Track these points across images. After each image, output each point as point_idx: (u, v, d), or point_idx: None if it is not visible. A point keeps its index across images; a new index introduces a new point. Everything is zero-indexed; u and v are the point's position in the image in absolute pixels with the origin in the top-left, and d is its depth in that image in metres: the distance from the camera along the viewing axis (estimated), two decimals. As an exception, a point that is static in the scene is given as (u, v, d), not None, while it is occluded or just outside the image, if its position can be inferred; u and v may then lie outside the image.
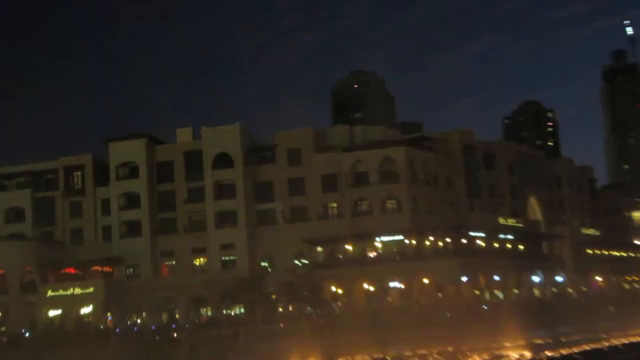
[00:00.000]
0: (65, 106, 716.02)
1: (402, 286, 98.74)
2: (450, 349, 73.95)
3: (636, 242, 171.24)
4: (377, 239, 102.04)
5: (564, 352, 69.01)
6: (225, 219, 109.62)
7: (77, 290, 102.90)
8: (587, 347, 71.93)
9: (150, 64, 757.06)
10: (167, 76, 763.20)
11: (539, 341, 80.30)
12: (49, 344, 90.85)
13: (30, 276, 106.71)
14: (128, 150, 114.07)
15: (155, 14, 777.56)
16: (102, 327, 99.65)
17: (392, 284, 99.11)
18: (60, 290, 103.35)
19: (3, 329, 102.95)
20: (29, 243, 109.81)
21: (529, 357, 65.66)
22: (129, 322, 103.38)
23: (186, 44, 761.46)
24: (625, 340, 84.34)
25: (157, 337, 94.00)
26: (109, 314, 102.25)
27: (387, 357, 74.01)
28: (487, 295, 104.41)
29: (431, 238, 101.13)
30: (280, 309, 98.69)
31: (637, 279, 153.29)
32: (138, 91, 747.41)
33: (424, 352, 72.84)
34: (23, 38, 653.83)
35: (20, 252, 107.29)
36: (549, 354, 67.17)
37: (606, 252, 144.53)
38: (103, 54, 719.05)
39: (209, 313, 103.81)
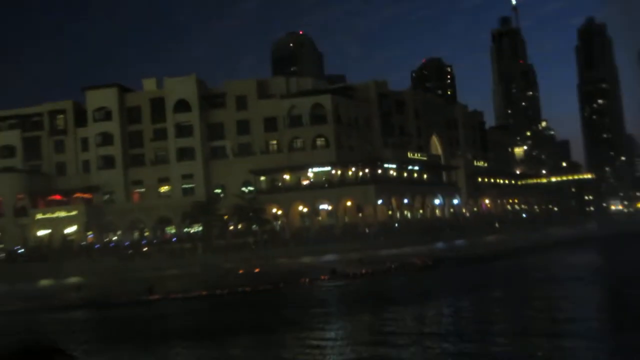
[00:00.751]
0: (45, 59, 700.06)
1: (330, 208, 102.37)
2: (366, 254, 73.09)
3: (517, 171, 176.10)
4: (309, 169, 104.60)
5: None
6: (185, 154, 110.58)
7: (62, 214, 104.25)
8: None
9: (118, 24, 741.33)
10: (133, 33, 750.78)
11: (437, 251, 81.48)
12: (39, 258, 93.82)
13: (21, 202, 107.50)
14: (102, 97, 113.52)
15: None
16: (83, 243, 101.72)
17: (321, 206, 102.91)
18: (48, 214, 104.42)
19: (1, 246, 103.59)
20: (19, 175, 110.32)
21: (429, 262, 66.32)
22: (106, 239, 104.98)
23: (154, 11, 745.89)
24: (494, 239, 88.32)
25: (129, 251, 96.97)
26: (89, 233, 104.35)
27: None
28: (397, 215, 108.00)
29: (353, 169, 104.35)
30: (231, 227, 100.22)
31: (517, 201, 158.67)
32: (108, 46, 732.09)
33: (347, 258, 72.38)
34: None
35: (12, 182, 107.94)
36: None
37: (493, 180, 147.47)
38: (78, 12, 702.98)
39: (173, 231, 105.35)
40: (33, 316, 40.62)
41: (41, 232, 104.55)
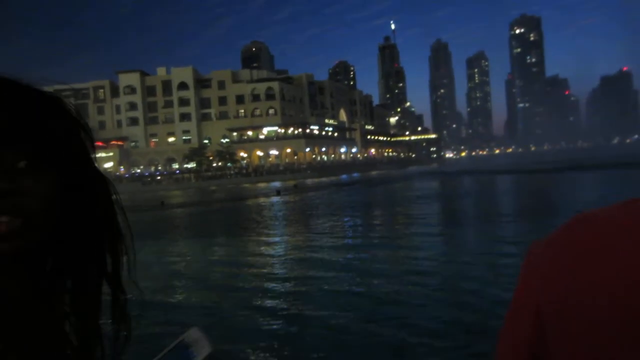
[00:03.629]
0: (89, 48, 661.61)
1: (277, 153, 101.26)
2: (299, 181, 73.24)
3: (391, 132, 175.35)
4: (264, 129, 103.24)
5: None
6: (184, 117, 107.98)
7: (102, 154, 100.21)
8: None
9: (139, 24, 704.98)
10: (152, 37, 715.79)
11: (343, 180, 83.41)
12: None
13: None
14: (130, 78, 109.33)
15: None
16: (117, 174, 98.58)
17: (271, 152, 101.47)
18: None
19: None
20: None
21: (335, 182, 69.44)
22: (132, 172, 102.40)
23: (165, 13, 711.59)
24: (376, 173, 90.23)
25: (149, 179, 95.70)
26: (121, 167, 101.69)
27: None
28: (318, 158, 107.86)
29: (291, 129, 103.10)
30: (214, 164, 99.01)
31: (391, 150, 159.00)
32: (135, 43, 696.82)
33: (287, 184, 74.34)
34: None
35: None
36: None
37: (376, 138, 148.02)
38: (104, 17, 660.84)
39: (176, 166, 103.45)
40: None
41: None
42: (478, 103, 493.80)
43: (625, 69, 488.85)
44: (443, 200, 33.02)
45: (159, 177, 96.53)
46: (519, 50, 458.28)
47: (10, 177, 0.55)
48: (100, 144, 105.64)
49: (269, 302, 9.62)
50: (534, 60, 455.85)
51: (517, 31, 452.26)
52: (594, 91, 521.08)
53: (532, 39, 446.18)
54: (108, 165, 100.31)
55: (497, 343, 0.63)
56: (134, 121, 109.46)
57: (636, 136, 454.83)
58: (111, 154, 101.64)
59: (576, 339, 0.52)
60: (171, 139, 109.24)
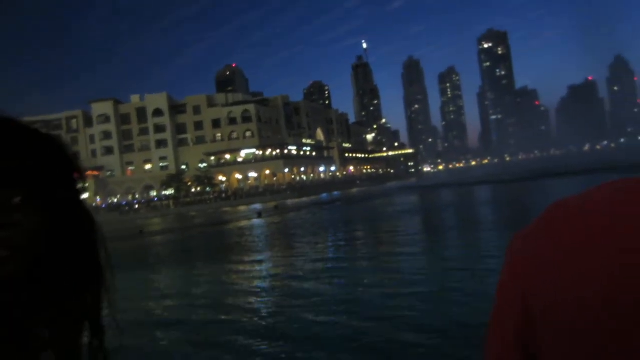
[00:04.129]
0: (57, 76, 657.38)
1: (256, 175, 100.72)
2: (279, 202, 74.10)
3: (369, 149, 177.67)
4: (242, 151, 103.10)
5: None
6: (161, 143, 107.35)
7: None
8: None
9: (109, 52, 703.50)
10: (125, 62, 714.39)
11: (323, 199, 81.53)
12: None
13: None
14: (103, 107, 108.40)
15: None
16: (94, 204, 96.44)
17: (250, 174, 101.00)
18: None
19: None
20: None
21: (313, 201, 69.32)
22: (109, 201, 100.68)
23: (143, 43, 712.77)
24: (356, 190, 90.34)
25: (126, 208, 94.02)
26: (98, 197, 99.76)
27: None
28: (298, 178, 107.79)
29: (269, 150, 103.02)
30: (193, 190, 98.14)
31: (369, 167, 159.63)
32: (109, 69, 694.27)
33: (267, 206, 73.26)
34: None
35: None
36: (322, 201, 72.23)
37: (354, 155, 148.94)
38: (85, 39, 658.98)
39: (154, 194, 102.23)
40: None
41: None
42: (452, 117, 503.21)
43: (590, 78, 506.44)
44: (423, 214, 33.43)
45: (136, 206, 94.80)
46: (488, 64, 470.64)
47: (2, 212, 0.59)
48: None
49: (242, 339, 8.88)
50: (503, 73, 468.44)
51: (485, 45, 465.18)
52: (562, 100, 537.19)
53: (499, 52, 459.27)
54: (84, 196, 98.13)
55: (486, 335, 0.63)
56: (109, 150, 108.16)
57: (605, 142, 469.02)
58: (87, 184, 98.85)
59: (562, 326, 0.53)
60: (148, 167, 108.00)
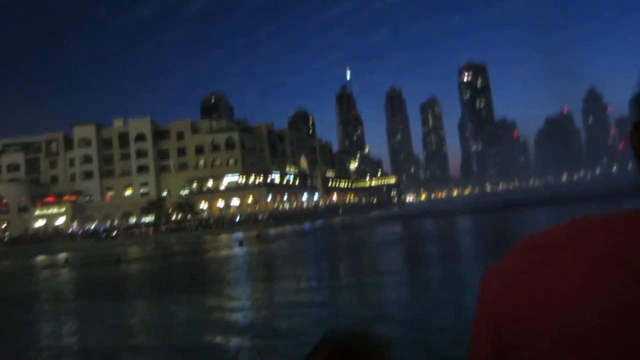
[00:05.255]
0: (40, 99, 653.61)
1: (238, 202, 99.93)
2: (261, 231, 72.67)
3: (352, 178, 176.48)
4: (225, 179, 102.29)
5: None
6: (142, 169, 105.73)
7: (55, 210, 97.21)
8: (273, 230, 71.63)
9: (95, 75, 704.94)
10: (110, 87, 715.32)
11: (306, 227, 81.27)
12: (37, 241, 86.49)
13: (24, 203, 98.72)
14: (85, 131, 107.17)
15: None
16: (70, 230, 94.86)
17: (232, 202, 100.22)
18: (44, 210, 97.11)
19: (7, 233, 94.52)
20: (22, 184, 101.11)
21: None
22: (86, 227, 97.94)
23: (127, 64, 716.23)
24: (339, 219, 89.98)
25: (104, 234, 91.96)
26: (74, 223, 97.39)
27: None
28: (280, 206, 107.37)
29: (252, 178, 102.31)
30: (174, 217, 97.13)
31: (352, 196, 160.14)
32: (93, 93, 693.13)
33: (249, 235, 72.39)
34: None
35: (18, 189, 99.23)
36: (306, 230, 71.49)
37: (338, 184, 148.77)
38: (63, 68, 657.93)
39: (134, 220, 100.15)
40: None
41: (38, 223, 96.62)
42: (434, 147, 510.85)
43: (565, 110, 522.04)
44: (404, 245, 33.36)
45: (114, 233, 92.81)
46: (468, 95, 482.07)
47: None
48: (51, 199, 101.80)
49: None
50: (482, 104, 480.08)
51: (465, 78, 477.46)
52: (540, 132, 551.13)
53: (479, 84, 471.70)
54: (60, 221, 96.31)
55: None
56: (88, 174, 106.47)
57: (582, 172, 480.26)
58: (63, 209, 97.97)
59: (532, 353, 0.55)
60: (128, 192, 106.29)
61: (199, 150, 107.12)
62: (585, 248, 0.44)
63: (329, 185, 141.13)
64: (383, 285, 17.48)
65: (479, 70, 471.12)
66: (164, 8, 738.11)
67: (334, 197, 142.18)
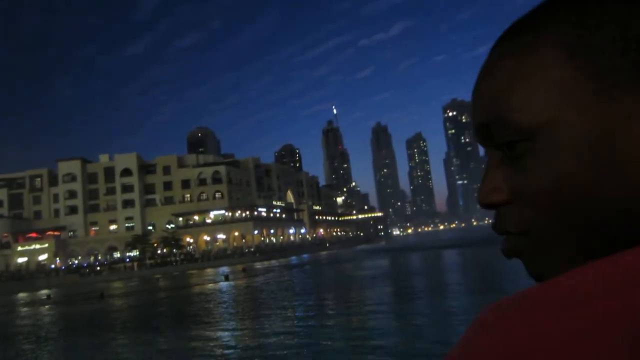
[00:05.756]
0: (26, 135, 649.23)
1: (224, 237, 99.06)
2: (247, 265, 74.65)
3: (339, 212, 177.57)
4: (211, 213, 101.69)
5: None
6: (128, 203, 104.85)
7: (37, 245, 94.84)
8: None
9: (81, 111, 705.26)
10: (95, 124, 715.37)
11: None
12: (18, 278, 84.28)
13: (6, 239, 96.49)
14: (70, 166, 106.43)
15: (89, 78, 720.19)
16: (53, 266, 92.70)
17: (218, 236, 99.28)
18: (26, 246, 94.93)
19: None
20: (4, 220, 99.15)
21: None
22: (69, 263, 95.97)
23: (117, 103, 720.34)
24: (326, 253, 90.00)
25: (87, 270, 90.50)
26: (57, 259, 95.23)
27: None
28: (267, 240, 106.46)
29: (238, 212, 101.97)
30: (159, 251, 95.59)
31: (339, 230, 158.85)
32: (78, 129, 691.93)
33: (235, 269, 72.55)
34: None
35: (0, 225, 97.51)
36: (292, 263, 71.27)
37: (324, 217, 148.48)
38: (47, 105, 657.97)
39: (118, 255, 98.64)
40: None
41: (21, 260, 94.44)
42: (420, 181, 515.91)
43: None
44: (391, 279, 33.40)
45: (98, 268, 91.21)
46: (453, 131, 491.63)
47: None
48: (34, 235, 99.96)
49: None
50: (467, 140, 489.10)
51: (450, 114, 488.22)
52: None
53: (463, 120, 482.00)
54: (42, 257, 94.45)
55: None
56: (72, 210, 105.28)
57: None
58: (46, 245, 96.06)
59: None
60: (113, 227, 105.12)
61: (185, 184, 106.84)
62: (587, 311, 0.33)
63: (316, 218, 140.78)
64: (368, 320, 17.50)
65: (463, 106, 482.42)
66: (150, 47, 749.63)
67: (321, 231, 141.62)
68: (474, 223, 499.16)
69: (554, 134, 0.35)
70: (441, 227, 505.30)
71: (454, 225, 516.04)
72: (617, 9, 0.34)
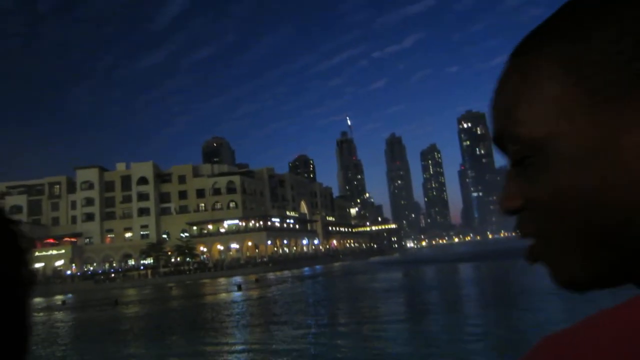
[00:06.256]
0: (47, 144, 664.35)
1: (237, 246, 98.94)
2: (260, 275, 74.13)
3: (352, 223, 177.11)
4: (225, 222, 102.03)
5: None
6: (143, 212, 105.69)
7: (54, 251, 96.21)
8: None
9: (99, 120, 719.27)
10: (115, 133, 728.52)
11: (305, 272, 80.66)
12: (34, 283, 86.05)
13: None
14: (88, 174, 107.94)
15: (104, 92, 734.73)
16: (69, 272, 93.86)
17: (232, 245, 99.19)
18: (43, 252, 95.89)
19: None
20: (24, 225, 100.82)
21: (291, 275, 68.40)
22: (85, 269, 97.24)
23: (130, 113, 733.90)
24: (339, 264, 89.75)
25: (102, 277, 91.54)
26: (73, 265, 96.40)
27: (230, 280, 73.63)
28: (280, 250, 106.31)
29: (252, 222, 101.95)
30: (173, 260, 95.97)
31: (352, 241, 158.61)
32: (98, 140, 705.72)
33: (248, 279, 72.68)
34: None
35: None
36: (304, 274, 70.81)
37: (338, 229, 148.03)
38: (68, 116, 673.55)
39: (133, 262, 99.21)
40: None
41: (37, 265, 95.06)
42: (434, 193, 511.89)
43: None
44: (405, 293, 32.98)
45: (112, 275, 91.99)
46: (468, 142, 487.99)
47: None
48: (51, 240, 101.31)
49: None
50: (482, 152, 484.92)
51: (465, 125, 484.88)
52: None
53: (478, 132, 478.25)
54: (59, 263, 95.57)
55: None
56: (89, 217, 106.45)
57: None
58: (63, 251, 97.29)
59: None
60: (128, 234, 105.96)
61: (200, 193, 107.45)
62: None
63: (329, 229, 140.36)
64: (382, 333, 17.24)
65: (478, 118, 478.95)
66: (167, 57, 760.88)
67: (334, 242, 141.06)
68: (490, 236, 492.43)
69: (553, 146, 0.38)
70: (456, 239, 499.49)
71: (468, 237, 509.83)
72: (610, 26, 0.36)
